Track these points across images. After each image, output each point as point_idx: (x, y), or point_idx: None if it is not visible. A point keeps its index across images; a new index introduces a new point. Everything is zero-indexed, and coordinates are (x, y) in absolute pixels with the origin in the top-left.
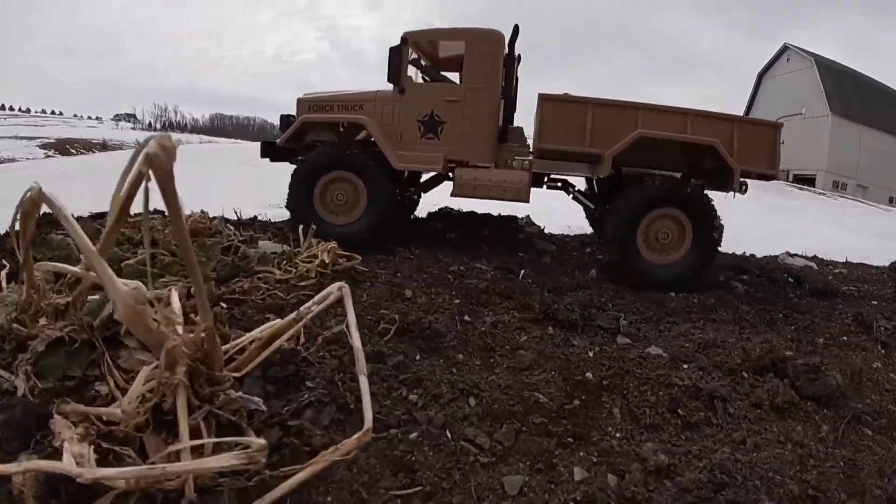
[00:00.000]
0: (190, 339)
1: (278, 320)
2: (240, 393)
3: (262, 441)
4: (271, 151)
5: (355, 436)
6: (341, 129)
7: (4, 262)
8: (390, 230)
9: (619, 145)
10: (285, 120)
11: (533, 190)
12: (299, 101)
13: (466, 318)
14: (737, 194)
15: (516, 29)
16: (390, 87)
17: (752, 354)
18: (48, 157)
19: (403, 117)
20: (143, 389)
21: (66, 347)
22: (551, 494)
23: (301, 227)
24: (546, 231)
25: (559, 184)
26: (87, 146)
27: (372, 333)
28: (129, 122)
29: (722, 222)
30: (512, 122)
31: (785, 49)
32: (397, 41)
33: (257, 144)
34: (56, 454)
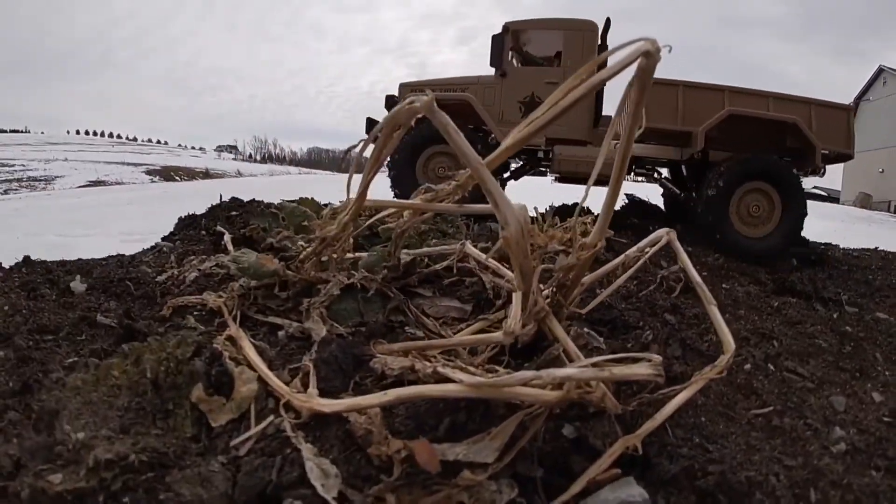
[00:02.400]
0: (574, 259)
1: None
2: (586, 329)
3: (658, 356)
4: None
5: (725, 356)
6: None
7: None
8: None
9: (710, 121)
10: (390, 99)
11: None
12: (402, 86)
13: (725, 285)
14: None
15: (608, 22)
16: (488, 74)
17: None
18: (153, 181)
19: (505, 98)
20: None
21: (360, 294)
22: (866, 411)
23: (549, 206)
24: None
25: (646, 168)
26: (191, 174)
27: (658, 291)
28: (230, 152)
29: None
30: (602, 112)
31: (881, 71)
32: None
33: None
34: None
